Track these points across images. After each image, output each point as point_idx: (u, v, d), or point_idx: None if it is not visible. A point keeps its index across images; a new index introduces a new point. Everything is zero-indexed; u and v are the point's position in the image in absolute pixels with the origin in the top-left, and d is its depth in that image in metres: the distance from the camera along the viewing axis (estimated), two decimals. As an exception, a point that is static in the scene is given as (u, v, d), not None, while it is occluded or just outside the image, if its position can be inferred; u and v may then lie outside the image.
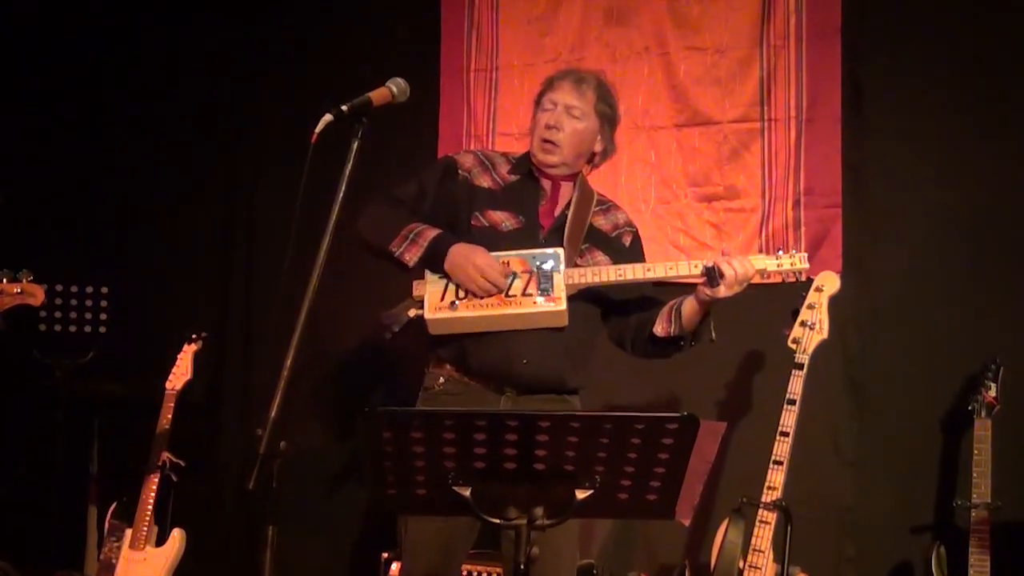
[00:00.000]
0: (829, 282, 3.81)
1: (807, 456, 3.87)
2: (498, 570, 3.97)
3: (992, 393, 3.79)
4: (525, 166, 3.19)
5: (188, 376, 4.52)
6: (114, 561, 4.36)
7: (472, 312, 2.97)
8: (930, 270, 4.21)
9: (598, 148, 3.21)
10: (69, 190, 5.40)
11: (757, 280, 2.98)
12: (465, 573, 3.89)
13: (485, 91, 4.84)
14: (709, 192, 4.53)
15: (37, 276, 4.77)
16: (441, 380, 3.07)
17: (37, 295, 3.69)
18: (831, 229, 4.32)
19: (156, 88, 5.36)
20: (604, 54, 4.69)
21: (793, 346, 3.76)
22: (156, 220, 5.35)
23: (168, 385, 4.50)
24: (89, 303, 4.79)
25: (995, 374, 3.82)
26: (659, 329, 3.10)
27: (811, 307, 3.77)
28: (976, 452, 3.73)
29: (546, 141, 3.10)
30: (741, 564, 3.66)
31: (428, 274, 3.04)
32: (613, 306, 3.20)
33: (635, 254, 3.25)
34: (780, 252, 3.00)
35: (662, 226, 4.56)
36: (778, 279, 3.02)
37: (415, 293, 3.04)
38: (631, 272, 3.02)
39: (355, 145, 2.60)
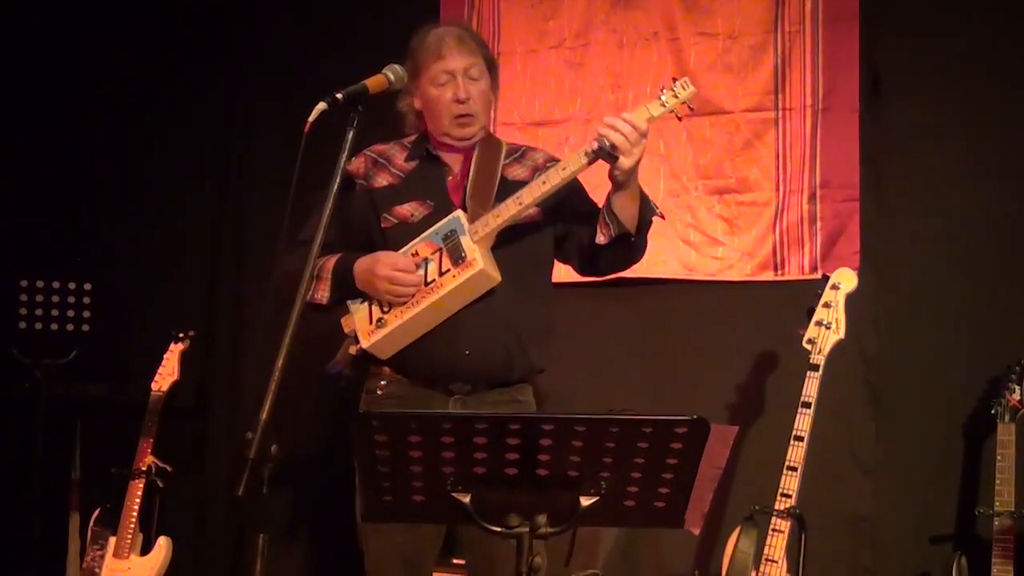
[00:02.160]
0: (846, 279, 3.81)
1: (822, 462, 3.87)
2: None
3: (1016, 396, 3.79)
4: (421, 148, 3.14)
5: (175, 377, 4.53)
6: (97, 570, 4.37)
7: (402, 319, 2.94)
8: (952, 267, 4.22)
9: (493, 96, 3.18)
10: (51, 182, 5.40)
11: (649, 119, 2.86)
12: None
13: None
14: (720, 185, 4.53)
15: (15, 273, 4.80)
16: (383, 383, 3.05)
17: None
18: (848, 224, 4.33)
19: (143, 78, 5.36)
20: (611, 39, 4.69)
21: (808, 346, 3.76)
22: (142, 213, 5.34)
23: (154, 386, 4.50)
24: (72, 300, 4.78)
25: (1020, 376, 3.82)
26: (600, 237, 3.01)
27: (827, 306, 3.77)
28: (999, 458, 3.73)
29: (461, 116, 3.04)
30: (753, 575, 3.66)
31: (348, 303, 3.03)
32: (558, 240, 3.15)
33: (571, 183, 3.11)
34: (663, 89, 2.87)
35: (671, 220, 4.54)
36: (672, 116, 2.89)
37: (346, 330, 3.03)
38: (529, 194, 2.91)
39: (350, 135, 2.61)
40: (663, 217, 3.10)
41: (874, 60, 4.33)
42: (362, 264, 2.97)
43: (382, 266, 2.93)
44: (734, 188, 4.51)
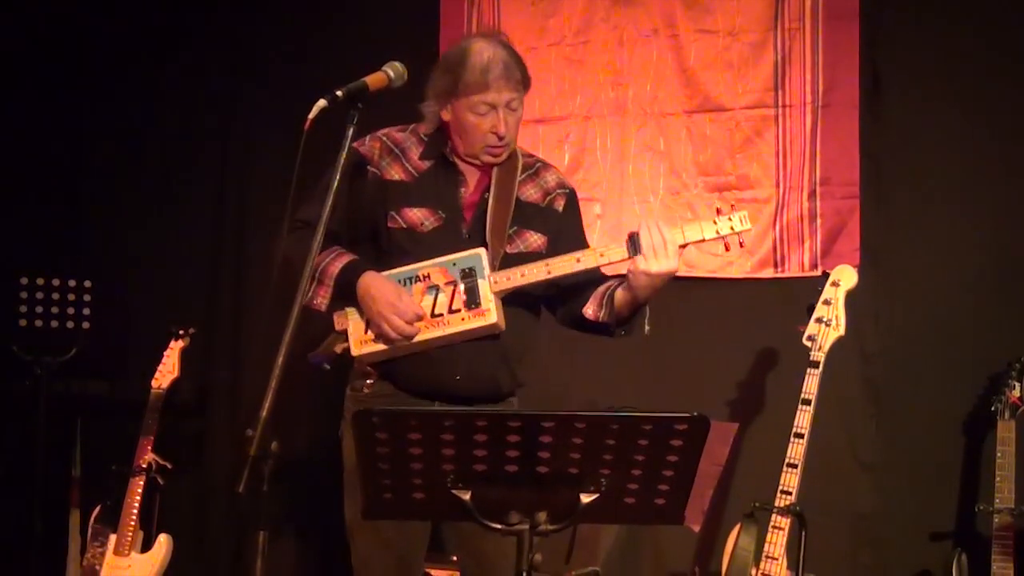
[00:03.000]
0: (846, 276, 3.81)
1: (823, 459, 3.87)
2: (450, 572, 3.99)
3: (1016, 393, 3.80)
4: (438, 149, 3.05)
5: (175, 374, 4.52)
6: (98, 568, 4.37)
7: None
8: (952, 265, 4.22)
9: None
10: (50, 180, 5.40)
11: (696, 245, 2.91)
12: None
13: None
14: (721, 182, 4.53)
15: (15, 271, 4.80)
16: (369, 382, 3.01)
17: None
18: (848, 221, 4.33)
19: (143, 77, 5.36)
20: (611, 37, 4.69)
21: (808, 343, 3.76)
22: (142, 210, 5.34)
23: (154, 384, 4.50)
24: (72, 297, 4.78)
25: (1020, 373, 3.83)
26: (589, 311, 3.01)
27: (827, 303, 3.77)
28: (999, 455, 3.74)
29: (496, 144, 2.97)
30: (753, 572, 3.66)
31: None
32: (552, 283, 3.07)
33: (569, 218, 3.15)
34: (719, 215, 2.88)
35: (671, 218, 4.54)
36: (722, 243, 2.89)
37: (337, 327, 2.97)
38: (560, 267, 2.90)
39: (350, 132, 2.60)
40: (647, 334, 3.04)
41: (874, 57, 4.34)
42: (365, 283, 2.90)
43: (384, 303, 2.87)
44: (734, 185, 4.51)
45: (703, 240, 2.88)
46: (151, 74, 5.37)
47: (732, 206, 2.90)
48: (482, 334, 2.91)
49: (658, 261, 2.80)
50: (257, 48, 5.23)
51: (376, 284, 2.90)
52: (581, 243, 3.11)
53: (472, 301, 2.87)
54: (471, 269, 2.89)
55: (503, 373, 3.02)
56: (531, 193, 3.09)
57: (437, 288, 2.90)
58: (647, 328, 3.00)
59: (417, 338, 2.89)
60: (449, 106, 2.97)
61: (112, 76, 5.41)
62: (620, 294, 2.92)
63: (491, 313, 2.87)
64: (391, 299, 2.87)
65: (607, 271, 3.06)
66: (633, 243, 2.83)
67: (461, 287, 2.88)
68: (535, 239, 3.04)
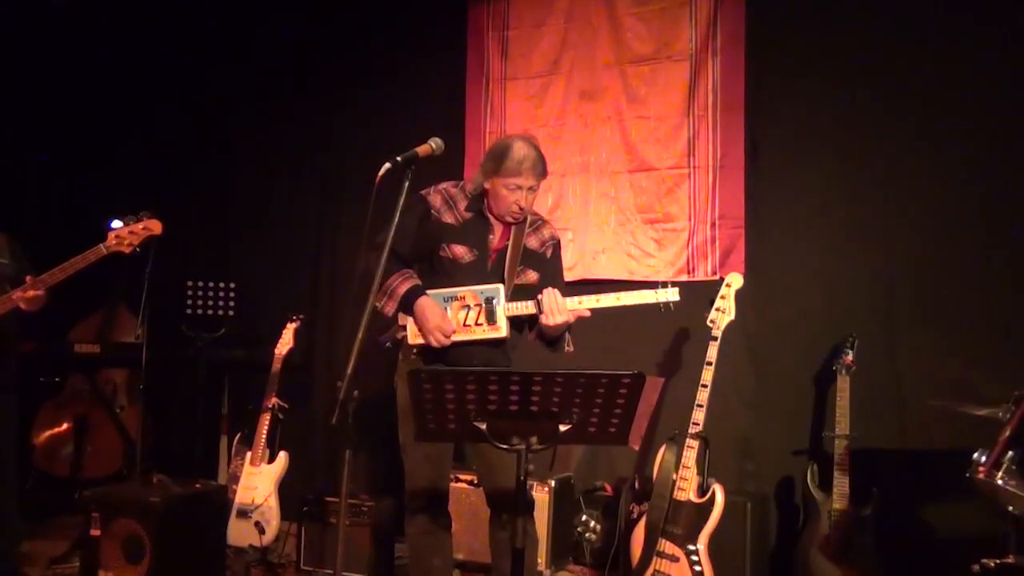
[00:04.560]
0: (735, 280, 3.79)
1: (720, 401, 3.85)
2: (471, 477, 3.99)
3: (850, 358, 3.78)
4: (478, 206, 3.02)
5: (290, 345, 4.51)
6: (239, 474, 4.36)
7: None
8: (806, 270, 4.20)
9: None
10: (206, 212, 5.40)
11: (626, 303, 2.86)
12: (453, 477, 3.91)
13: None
14: (652, 217, 4.50)
15: (185, 275, 4.79)
16: (415, 352, 2.97)
17: (156, 227, 3.50)
18: (737, 243, 4.31)
19: (269, 140, 5.37)
20: (579, 122, 4.67)
21: (710, 325, 3.74)
22: (268, 232, 5.34)
23: (276, 351, 4.48)
24: (221, 294, 4.78)
25: (852, 343, 3.81)
26: (531, 334, 3.03)
27: (723, 298, 3.76)
28: (839, 399, 3.73)
29: (516, 214, 2.98)
30: (674, 477, 3.64)
31: None
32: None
33: (554, 262, 3.13)
34: (659, 287, 2.86)
35: (619, 241, 4.54)
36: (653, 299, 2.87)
37: (401, 322, 2.99)
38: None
39: (406, 184, 2.60)
40: (567, 352, 3.04)
41: (754, 134, 4.32)
42: (420, 306, 2.90)
43: (432, 323, 2.88)
44: (661, 219, 4.48)
45: (643, 303, 2.86)
46: (275, 136, 5.35)
47: (666, 284, 2.88)
48: (493, 340, 2.93)
49: (554, 317, 2.85)
50: (346, 118, 5.20)
51: (429, 308, 2.91)
52: (558, 280, 3.11)
53: (491, 319, 2.89)
54: (492, 297, 2.91)
55: (503, 360, 3.03)
56: (533, 243, 3.09)
57: (469, 307, 2.92)
58: (568, 349, 3.02)
59: (452, 339, 2.91)
60: (491, 180, 2.97)
61: (248, 135, 5.41)
62: (543, 328, 2.92)
63: (503, 329, 2.91)
64: (437, 321, 2.89)
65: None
66: (539, 304, 2.86)
67: (484, 309, 2.90)
68: (532, 275, 3.04)
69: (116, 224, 3.45)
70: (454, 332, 2.91)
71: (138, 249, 3.48)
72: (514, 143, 2.96)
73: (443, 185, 3.08)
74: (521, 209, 2.96)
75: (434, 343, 2.90)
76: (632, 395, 2.21)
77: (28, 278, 3.39)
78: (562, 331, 2.94)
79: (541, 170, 2.96)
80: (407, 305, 2.93)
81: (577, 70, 4.68)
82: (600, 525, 4.19)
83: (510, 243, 3.02)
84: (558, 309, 2.84)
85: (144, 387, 4.43)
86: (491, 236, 3.03)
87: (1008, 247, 3.81)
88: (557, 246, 3.16)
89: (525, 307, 2.91)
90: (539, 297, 2.86)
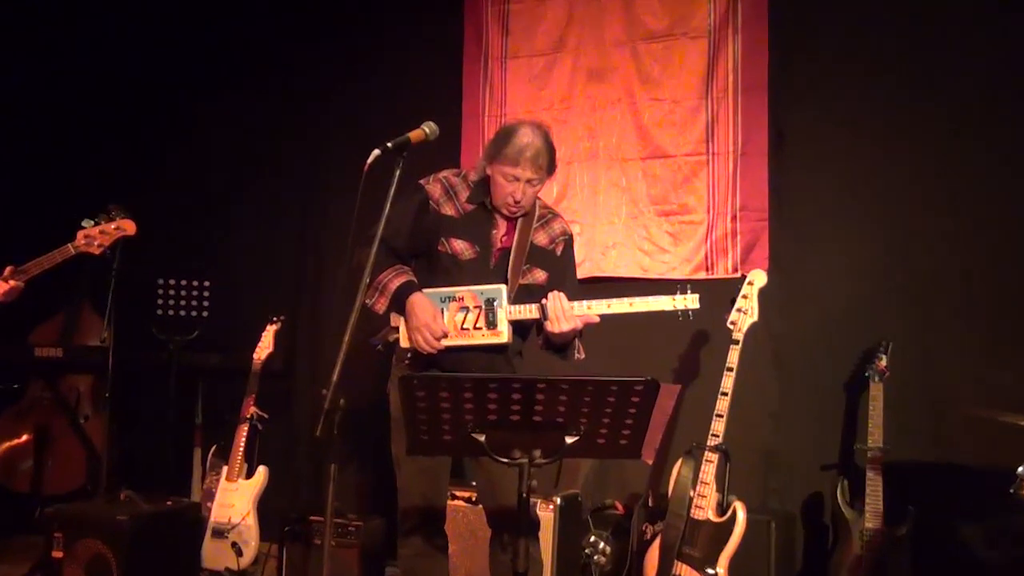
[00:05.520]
0: (758, 277, 3.79)
1: (742, 411, 3.84)
2: (470, 494, 3.99)
3: (883, 363, 3.78)
4: (481, 197, 2.99)
5: (270, 349, 4.51)
6: (214, 490, 4.37)
7: None
8: (837, 267, 4.20)
9: (544, 187, 3.06)
10: (178, 205, 5.40)
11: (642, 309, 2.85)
12: (450, 494, 3.88)
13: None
14: (667, 209, 4.51)
15: (155, 273, 4.79)
16: (409, 355, 2.96)
17: (130, 228, 3.52)
18: (760, 237, 4.31)
19: (247, 126, 5.37)
20: (586, 104, 4.67)
21: (731, 327, 3.74)
22: (246, 228, 5.34)
23: (255, 356, 4.49)
24: (195, 294, 4.78)
25: (886, 348, 3.81)
26: (539, 340, 3.02)
27: (745, 297, 3.76)
28: (871, 408, 3.73)
29: (512, 205, 2.93)
30: (692, 494, 3.64)
31: None
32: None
33: (565, 260, 3.10)
34: (678, 292, 2.84)
35: (631, 235, 4.55)
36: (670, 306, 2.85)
37: (393, 323, 2.97)
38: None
39: (397, 173, 2.59)
40: (577, 359, 3.04)
41: (778, 118, 4.32)
42: (412, 302, 2.88)
43: (421, 322, 2.85)
44: (677, 211, 4.49)
45: (660, 311, 2.84)
46: (255, 122, 5.36)
47: (686, 289, 2.85)
48: (494, 346, 2.92)
49: (559, 324, 2.83)
50: (333, 103, 5.21)
51: (420, 305, 2.88)
52: (568, 279, 3.09)
53: (491, 323, 2.87)
54: (493, 299, 2.88)
55: (504, 366, 3.01)
56: (541, 239, 3.06)
57: (467, 309, 2.89)
58: (577, 356, 3.01)
59: (446, 343, 2.88)
60: (490, 165, 2.96)
61: (225, 124, 5.42)
62: (550, 335, 2.91)
63: (504, 334, 2.88)
64: (427, 320, 2.86)
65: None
66: (543, 309, 2.85)
67: (484, 311, 2.88)
68: (540, 275, 3.02)
69: (87, 223, 3.46)
70: (447, 336, 2.88)
71: (108, 250, 3.49)
72: (520, 129, 2.94)
73: (443, 173, 3.06)
74: (516, 203, 2.92)
75: (421, 344, 2.87)
76: (645, 404, 2.22)
77: (8, 268, 3.38)
78: (571, 338, 2.94)
79: (544, 163, 2.92)
80: (400, 302, 2.91)
81: (584, 48, 4.69)
82: (610, 547, 4.18)
83: (516, 239, 2.99)
84: (564, 315, 2.83)
85: (111, 395, 4.42)
86: (495, 231, 3.00)
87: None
88: (569, 242, 3.13)
89: (529, 311, 2.89)
90: (543, 302, 2.86)
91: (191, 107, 5.47)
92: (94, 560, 3.52)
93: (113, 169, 5.41)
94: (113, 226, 3.47)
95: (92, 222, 3.46)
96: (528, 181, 2.91)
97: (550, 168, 2.96)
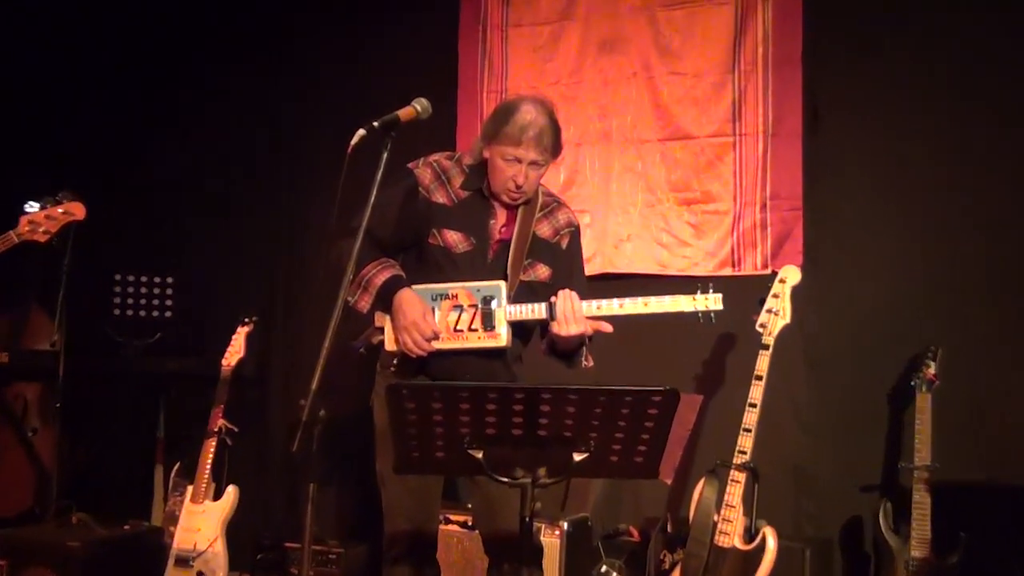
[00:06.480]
0: (791, 274, 3.79)
1: (772, 424, 3.85)
2: (465, 518, 3.99)
3: (932, 371, 3.78)
4: (477, 183, 2.98)
5: (241, 354, 4.51)
6: (177, 513, 4.36)
7: None
8: (878, 263, 4.20)
9: (548, 172, 3.04)
10: (140, 192, 5.39)
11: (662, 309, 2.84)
12: (442, 518, 3.89)
13: (496, 110, 4.83)
14: (688, 197, 4.51)
15: (111, 268, 4.79)
16: (395, 362, 2.95)
17: (78, 211, 3.52)
18: (793, 229, 4.31)
19: (220, 109, 5.37)
20: (598, 78, 4.67)
21: (760, 330, 3.74)
22: (215, 217, 5.34)
23: (224, 362, 4.48)
24: (156, 291, 4.79)
25: (934, 355, 3.81)
26: (542, 346, 3.03)
27: (776, 296, 3.76)
28: (918, 422, 3.73)
29: (513, 191, 2.92)
30: (716, 518, 3.65)
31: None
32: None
33: (572, 254, 3.10)
34: (699, 292, 2.83)
35: (648, 226, 4.55)
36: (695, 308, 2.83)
37: (377, 323, 2.94)
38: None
39: (384, 155, 2.57)
40: (586, 367, 3.03)
41: (813, 95, 4.32)
42: (399, 299, 2.87)
43: (408, 321, 2.83)
44: (699, 200, 4.49)
45: (682, 312, 2.83)
46: (221, 98, 5.36)
47: (708, 287, 2.84)
48: (491, 350, 2.90)
49: (568, 327, 2.82)
50: (312, 80, 5.21)
51: (408, 302, 2.87)
52: (576, 276, 3.09)
53: (488, 324, 2.85)
54: (491, 297, 2.87)
55: (503, 372, 3.00)
56: (544, 230, 3.05)
57: (461, 308, 2.87)
58: (586, 364, 3.00)
59: (437, 346, 2.87)
60: (488, 147, 2.94)
61: (188, 97, 5.41)
62: (556, 338, 2.90)
63: (502, 337, 2.87)
64: (415, 319, 2.84)
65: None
66: (551, 309, 2.83)
67: (480, 311, 2.86)
68: (543, 271, 3.01)
69: (31, 207, 3.46)
70: (439, 337, 2.86)
71: (56, 238, 3.49)
72: (522, 104, 2.92)
73: (435, 156, 3.05)
74: (518, 188, 2.91)
75: (408, 346, 2.85)
76: (664, 416, 2.21)
77: None
78: (579, 343, 2.93)
79: (549, 144, 2.90)
80: (386, 299, 2.90)
81: (596, 15, 4.69)
82: (623, 577, 4.20)
83: (516, 230, 2.98)
84: (574, 317, 2.82)
85: (61, 405, 4.43)
86: (493, 221, 2.99)
87: None
88: (575, 235, 3.12)
89: (532, 311, 2.87)
90: (552, 300, 2.85)
91: (154, 86, 5.46)
92: (43, 591, 3.52)
93: (67, 154, 5.41)
94: (60, 210, 3.47)
95: (37, 206, 3.45)
96: (531, 163, 2.89)
97: (555, 150, 2.95)
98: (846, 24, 4.29)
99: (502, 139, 2.88)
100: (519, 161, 2.88)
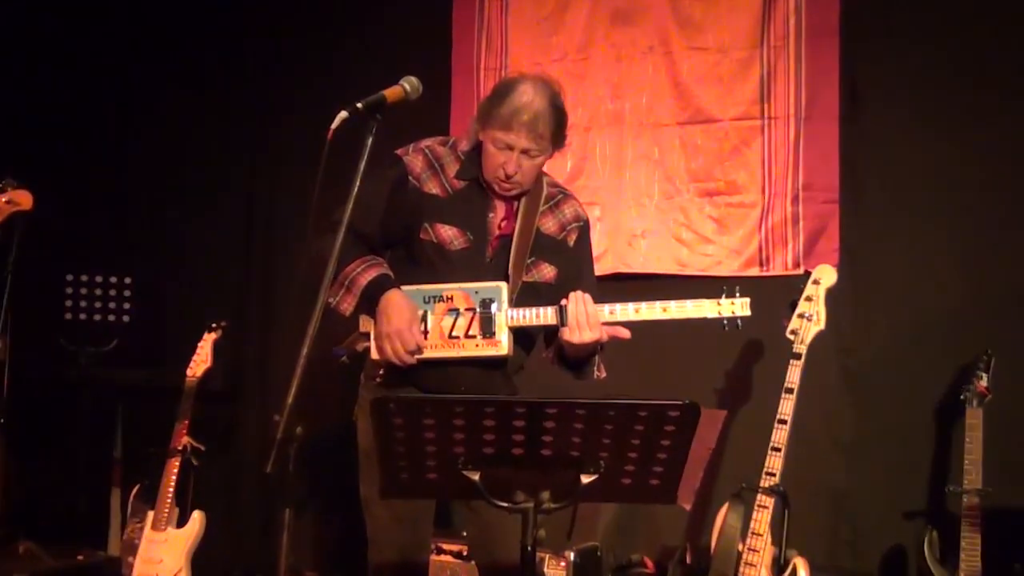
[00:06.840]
0: (826, 275, 3.80)
1: (804, 443, 3.87)
2: (460, 547, 4.01)
3: (984, 383, 3.78)
4: (473, 172, 2.96)
5: (208, 364, 4.51)
6: (137, 541, 4.37)
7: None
8: (924, 263, 4.21)
9: (549, 160, 3.00)
10: (95, 183, 5.40)
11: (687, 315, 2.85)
12: (433, 547, 3.90)
13: (495, 90, 4.83)
14: (711, 187, 4.52)
15: (63, 267, 4.80)
16: (381, 372, 2.94)
17: (24, 200, 3.53)
18: (828, 223, 4.32)
19: (181, 92, 5.37)
20: (610, 53, 4.68)
21: (791, 337, 3.75)
22: (179, 212, 5.36)
23: (189, 372, 4.49)
24: (113, 292, 4.80)
25: (987, 365, 3.81)
26: (548, 353, 3.03)
27: (809, 299, 3.77)
28: (968, 440, 3.72)
29: (505, 181, 2.90)
30: (740, 547, 3.66)
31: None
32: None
33: (580, 252, 3.10)
34: (723, 297, 2.84)
35: (665, 220, 4.56)
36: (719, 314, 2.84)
37: (362, 328, 2.92)
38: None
39: (369, 141, 2.56)
40: (598, 378, 3.03)
41: (852, 72, 4.33)
42: (385, 302, 2.85)
43: (393, 328, 2.81)
44: (723, 191, 4.50)
45: (701, 318, 2.83)
46: (190, 90, 5.37)
47: (734, 290, 2.85)
48: (490, 360, 2.89)
49: (581, 333, 2.81)
50: (283, 60, 5.23)
51: (395, 305, 2.85)
52: (584, 276, 3.08)
53: (487, 331, 2.85)
54: (490, 300, 2.86)
55: (502, 384, 3.00)
56: (549, 225, 3.04)
57: (457, 312, 2.86)
58: (598, 374, 3.01)
59: (430, 355, 2.86)
60: (482, 131, 2.91)
61: (151, 87, 5.42)
62: (565, 346, 2.90)
63: (503, 345, 2.86)
64: (401, 326, 2.82)
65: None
66: (562, 313, 2.82)
67: (479, 315, 2.85)
68: (548, 270, 3.00)
69: None
70: (422, 351, 2.85)
71: None
72: (519, 84, 2.89)
73: (427, 142, 3.03)
74: (508, 177, 2.88)
75: (388, 356, 2.84)
76: (682, 434, 2.22)
77: None
78: (590, 351, 2.93)
79: (546, 131, 2.85)
80: (371, 301, 2.89)
81: (607, -18, 4.71)
82: (637, 614, 4.21)
83: (518, 225, 2.98)
84: (588, 322, 2.81)
85: (5, 420, 4.44)
86: (491, 214, 2.98)
87: None
88: (584, 230, 3.12)
89: (537, 316, 2.86)
90: (563, 304, 2.84)
91: (112, 74, 5.47)
92: (-14, 629, 3.53)
93: (14, 141, 5.41)
94: (4, 199, 3.48)
95: None
96: (524, 152, 2.86)
97: (556, 139, 2.91)
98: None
99: (494, 122, 2.85)
100: (510, 148, 2.85)
